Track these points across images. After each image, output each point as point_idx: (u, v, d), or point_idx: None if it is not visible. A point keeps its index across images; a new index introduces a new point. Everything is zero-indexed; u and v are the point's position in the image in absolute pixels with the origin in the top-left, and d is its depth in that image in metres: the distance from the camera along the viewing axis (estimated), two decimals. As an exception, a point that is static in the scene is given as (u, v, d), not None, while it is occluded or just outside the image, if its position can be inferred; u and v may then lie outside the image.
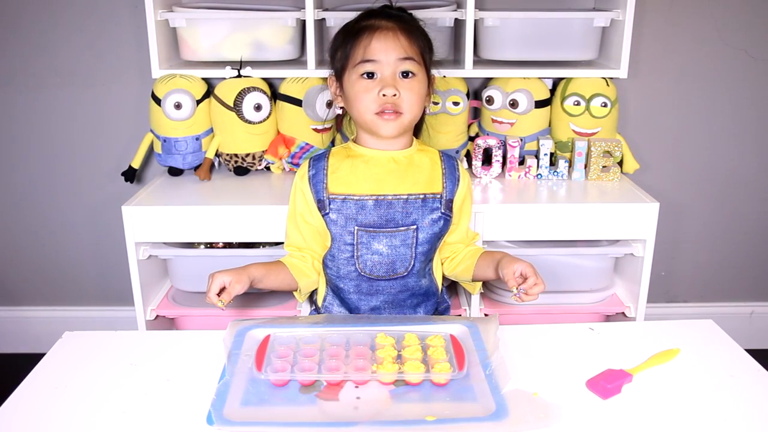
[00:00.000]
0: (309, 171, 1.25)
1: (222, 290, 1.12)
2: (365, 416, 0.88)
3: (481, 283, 1.34)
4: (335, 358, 0.98)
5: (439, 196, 1.23)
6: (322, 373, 0.95)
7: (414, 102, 1.18)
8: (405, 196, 1.21)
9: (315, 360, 0.98)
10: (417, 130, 1.30)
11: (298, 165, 1.81)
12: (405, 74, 1.17)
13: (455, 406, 0.90)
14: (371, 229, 1.21)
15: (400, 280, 1.24)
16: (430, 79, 1.23)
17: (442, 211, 1.23)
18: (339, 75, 1.21)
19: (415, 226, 1.21)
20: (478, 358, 1.00)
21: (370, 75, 1.16)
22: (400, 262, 1.22)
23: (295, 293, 1.31)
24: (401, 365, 0.96)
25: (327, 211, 1.22)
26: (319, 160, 1.26)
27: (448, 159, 1.28)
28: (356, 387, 0.94)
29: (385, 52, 1.14)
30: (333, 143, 1.85)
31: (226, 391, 0.92)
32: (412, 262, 1.23)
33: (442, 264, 1.32)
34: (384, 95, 1.15)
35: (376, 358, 0.99)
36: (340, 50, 1.20)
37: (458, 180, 1.26)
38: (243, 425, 0.86)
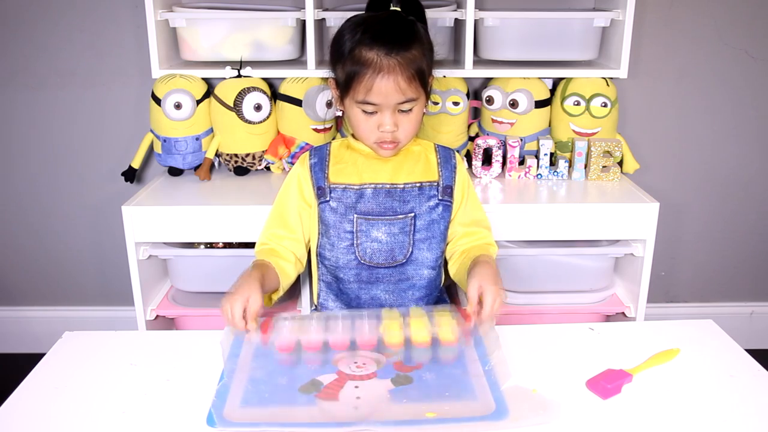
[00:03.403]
0: (311, 159, 1.27)
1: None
2: (365, 416, 0.88)
3: None
4: (341, 325, 0.98)
5: (435, 183, 1.25)
6: (327, 335, 0.95)
7: (411, 128, 1.21)
8: (402, 186, 1.24)
9: (321, 326, 0.98)
10: None
11: (298, 165, 1.81)
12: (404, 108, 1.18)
13: (455, 404, 0.90)
14: (370, 217, 1.23)
15: (400, 268, 1.25)
16: (429, 90, 1.22)
17: (440, 197, 1.25)
18: (339, 86, 1.21)
19: (412, 214, 1.24)
20: (477, 354, 1.00)
21: (370, 111, 1.18)
22: (398, 249, 1.24)
23: (272, 295, 1.25)
24: (408, 327, 0.96)
25: (327, 198, 1.23)
26: (320, 150, 1.29)
27: (444, 149, 1.30)
28: (356, 387, 0.94)
29: (386, 97, 1.15)
30: (333, 143, 1.85)
31: (226, 392, 0.92)
32: (410, 249, 1.25)
33: (447, 262, 1.33)
34: (383, 131, 1.18)
35: (382, 323, 1.00)
36: (340, 70, 1.19)
37: (455, 167, 1.28)
38: (243, 426, 0.86)
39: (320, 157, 1.27)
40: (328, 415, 0.88)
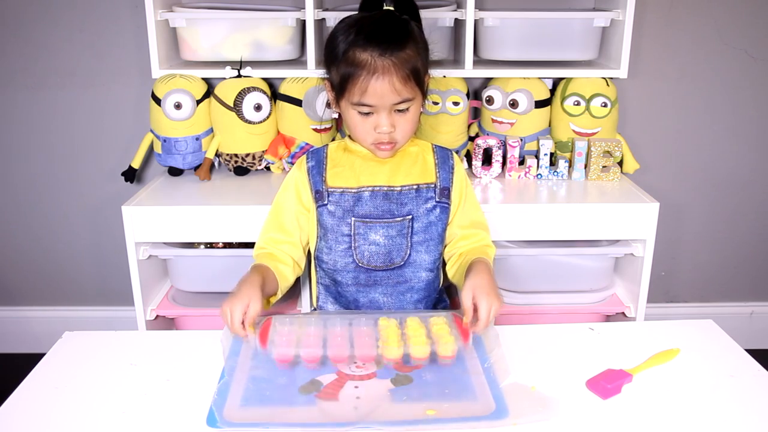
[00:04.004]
0: (308, 162, 1.26)
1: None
2: (365, 416, 0.88)
3: None
4: (340, 337, 0.98)
5: (432, 185, 1.24)
6: (326, 349, 0.95)
7: (409, 128, 1.20)
8: (399, 188, 1.23)
9: (319, 338, 0.98)
10: None
11: (298, 165, 1.81)
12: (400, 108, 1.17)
13: (455, 404, 0.90)
14: (368, 219, 1.22)
15: (398, 271, 1.25)
16: (425, 88, 1.22)
17: (437, 199, 1.24)
18: (334, 88, 1.21)
19: (410, 216, 1.23)
20: (476, 352, 1.00)
21: (366, 113, 1.17)
22: (396, 252, 1.24)
23: (270, 298, 1.25)
24: (406, 342, 0.96)
25: (325, 202, 1.23)
26: (317, 153, 1.28)
27: (441, 150, 1.29)
28: (356, 387, 0.94)
29: (381, 98, 1.14)
30: (333, 143, 1.85)
31: (226, 392, 0.92)
32: (408, 251, 1.24)
33: (445, 264, 1.32)
34: (380, 132, 1.17)
35: (380, 336, 0.99)
36: (335, 73, 1.18)
37: (452, 168, 1.27)
38: (243, 426, 0.86)
39: (317, 161, 1.26)
40: (328, 415, 0.88)
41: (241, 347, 1.03)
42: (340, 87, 1.17)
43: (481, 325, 1.03)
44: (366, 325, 1.04)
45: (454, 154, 1.30)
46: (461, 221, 1.28)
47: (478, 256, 1.20)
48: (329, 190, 1.23)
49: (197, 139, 1.78)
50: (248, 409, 0.90)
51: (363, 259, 1.24)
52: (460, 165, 1.29)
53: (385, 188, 1.23)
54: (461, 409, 0.89)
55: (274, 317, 1.06)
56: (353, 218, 1.22)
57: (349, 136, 1.27)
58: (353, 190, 1.23)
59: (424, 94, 1.22)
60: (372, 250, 1.23)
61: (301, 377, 0.96)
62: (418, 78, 1.16)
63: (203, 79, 1.78)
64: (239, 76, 1.75)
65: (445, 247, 1.30)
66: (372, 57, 1.12)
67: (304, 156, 1.28)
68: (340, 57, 1.15)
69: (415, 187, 1.23)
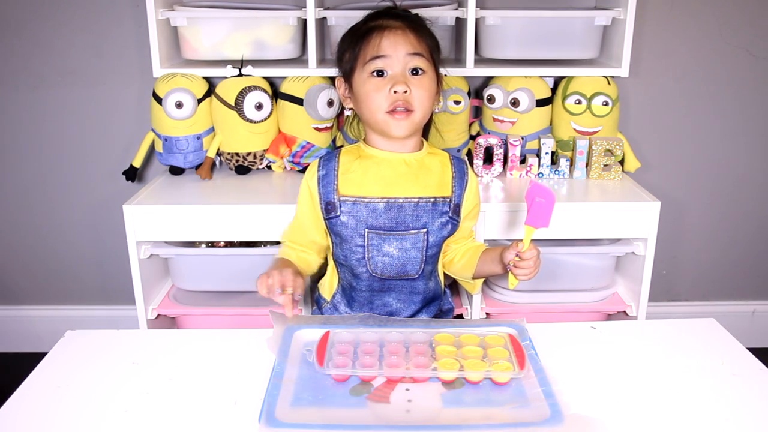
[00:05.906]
0: (319, 171, 1.23)
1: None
2: (417, 420, 0.86)
3: (481, 281, 1.33)
4: (395, 355, 0.97)
5: (448, 200, 1.22)
6: (382, 369, 0.94)
7: (425, 99, 1.17)
8: (416, 200, 1.20)
9: (375, 356, 0.97)
10: (425, 131, 1.29)
11: (299, 164, 1.81)
12: (414, 72, 1.16)
13: (508, 409, 0.88)
14: (382, 231, 1.20)
15: (411, 282, 1.24)
16: (438, 79, 1.23)
17: (450, 215, 1.22)
18: (348, 76, 1.21)
19: (425, 230, 1.21)
20: (530, 363, 0.98)
21: (381, 73, 1.16)
22: (411, 265, 1.22)
23: None
24: (462, 363, 0.95)
25: (338, 213, 1.20)
26: (329, 160, 1.25)
27: (459, 162, 1.27)
28: (407, 390, 0.92)
29: (395, 47, 1.14)
30: (334, 142, 1.85)
31: (277, 392, 0.91)
32: (422, 266, 1.23)
33: (443, 264, 1.32)
34: (395, 92, 1.14)
35: (436, 355, 0.98)
36: (349, 51, 1.19)
37: (466, 184, 1.25)
38: (294, 427, 0.84)
39: (328, 169, 1.23)
40: (379, 417, 0.87)
41: (289, 349, 1.01)
42: (353, 61, 1.18)
43: (533, 253, 1.10)
44: (422, 341, 1.01)
45: (470, 170, 1.27)
46: (462, 232, 1.29)
47: (484, 248, 1.25)
48: (341, 198, 1.20)
49: (198, 138, 1.78)
50: (298, 410, 0.88)
51: (377, 270, 1.23)
52: (474, 181, 1.27)
53: (401, 200, 1.20)
54: (515, 415, 0.87)
55: (332, 333, 1.03)
56: (367, 229, 1.20)
57: (364, 140, 1.26)
58: (366, 200, 1.20)
59: (439, 78, 1.22)
60: (385, 262, 1.22)
61: (352, 379, 0.95)
62: (431, 50, 1.19)
63: (204, 78, 1.78)
64: (240, 75, 1.75)
65: (442, 253, 1.30)
66: (385, 21, 1.17)
67: (316, 162, 1.25)
68: (353, 37, 1.19)
69: (432, 200, 1.21)
